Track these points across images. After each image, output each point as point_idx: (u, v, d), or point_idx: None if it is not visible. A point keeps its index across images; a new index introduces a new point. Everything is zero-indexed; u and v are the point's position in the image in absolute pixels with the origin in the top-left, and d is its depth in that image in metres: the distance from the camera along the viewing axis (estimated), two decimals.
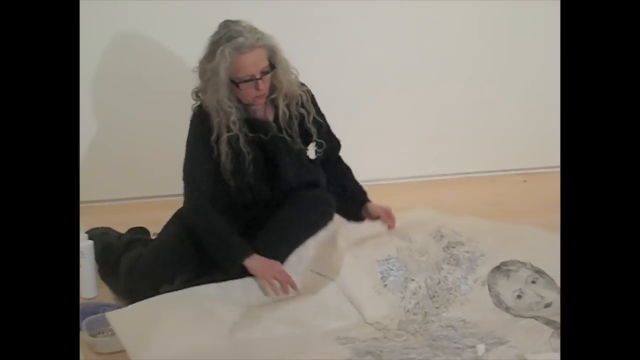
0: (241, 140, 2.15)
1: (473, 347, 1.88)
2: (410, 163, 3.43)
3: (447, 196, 3.29)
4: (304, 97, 2.25)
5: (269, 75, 2.13)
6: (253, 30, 2.09)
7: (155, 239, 2.37)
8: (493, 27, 3.37)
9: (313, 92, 2.33)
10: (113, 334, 2.01)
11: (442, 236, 2.31)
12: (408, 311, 2.07)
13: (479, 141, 3.51)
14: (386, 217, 2.36)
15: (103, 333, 2.03)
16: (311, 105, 2.27)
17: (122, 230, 2.56)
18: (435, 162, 3.48)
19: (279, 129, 2.22)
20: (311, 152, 2.29)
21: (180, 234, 2.21)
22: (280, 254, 2.17)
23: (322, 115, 2.33)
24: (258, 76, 2.10)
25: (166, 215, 2.33)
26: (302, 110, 2.24)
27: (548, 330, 1.97)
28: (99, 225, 2.54)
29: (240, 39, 2.05)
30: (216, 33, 2.11)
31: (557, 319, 2.02)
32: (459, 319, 2.05)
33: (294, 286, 2.08)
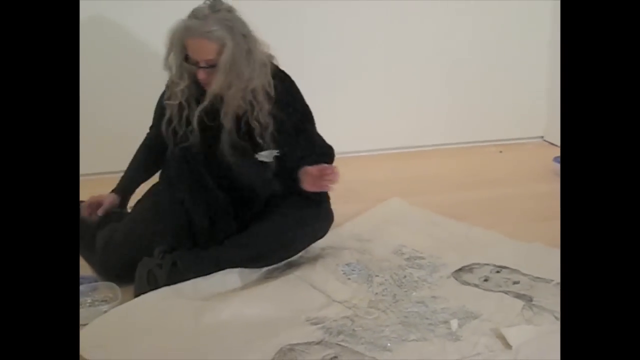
0: (185, 111, 2.16)
1: (446, 322, 1.90)
2: (387, 135, 3.44)
3: (424, 167, 3.31)
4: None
5: (214, 69, 2.07)
6: (213, 20, 2.03)
7: (129, 214, 2.35)
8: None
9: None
10: (91, 305, 2.03)
11: (402, 253, 2.34)
12: (377, 294, 2.08)
13: (455, 113, 3.53)
14: (320, 173, 2.14)
15: (81, 305, 2.02)
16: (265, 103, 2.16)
17: None
18: (411, 134, 3.49)
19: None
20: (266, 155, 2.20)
21: (155, 208, 2.21)
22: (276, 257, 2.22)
23: (292, 113, 2.22)
24: (202, 64, 2.07)
25: (141, 190, 2.33)
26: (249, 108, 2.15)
27: (519, 303, 2.00)
28: None
29: (193, 21, 2.04)
30: (202, 4, 2.08)
31: (527, 292, 2.06)
32: (429, 296, 2.07)
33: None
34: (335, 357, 1.73)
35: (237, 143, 2.17)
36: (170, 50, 2.11)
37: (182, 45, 2.08)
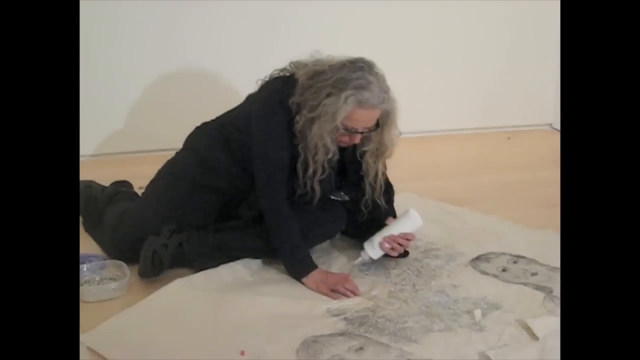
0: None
1: (469, 312, 1.88)
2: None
3: (432, 153, 3.31)
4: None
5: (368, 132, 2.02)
6: (383, 86, 1.95)
7: (141, 196, 2.34)
8: None
9: None
10: (99, 283, 2.02)
11: (417, 247, 2.28)
12: (396, 284, 2.05)
13: (463, 98, 3.51)
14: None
15: (89, 282, 2.02)
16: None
17: (106, 184, 2.50)
18: (420, 119, 3.44)
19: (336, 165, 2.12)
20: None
21: (165, 191, 2.18)
22: None
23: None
24: (360, 130, 1.99)
25: (149, 170, 2.28)
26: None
27: (540, 295, 1.99)
28: (82, 179, 2.45)
29: (367, 94, 1.91)
30: (349, 68, 1.94)
31: (547, 284, 2.05)
32: (449, 284, 2.05)
33: (355, 290, 1.98)
34: (361, 348, 1.69)
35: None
36: (327, 125, 1.94)
37: (345, 116, 1.93)
